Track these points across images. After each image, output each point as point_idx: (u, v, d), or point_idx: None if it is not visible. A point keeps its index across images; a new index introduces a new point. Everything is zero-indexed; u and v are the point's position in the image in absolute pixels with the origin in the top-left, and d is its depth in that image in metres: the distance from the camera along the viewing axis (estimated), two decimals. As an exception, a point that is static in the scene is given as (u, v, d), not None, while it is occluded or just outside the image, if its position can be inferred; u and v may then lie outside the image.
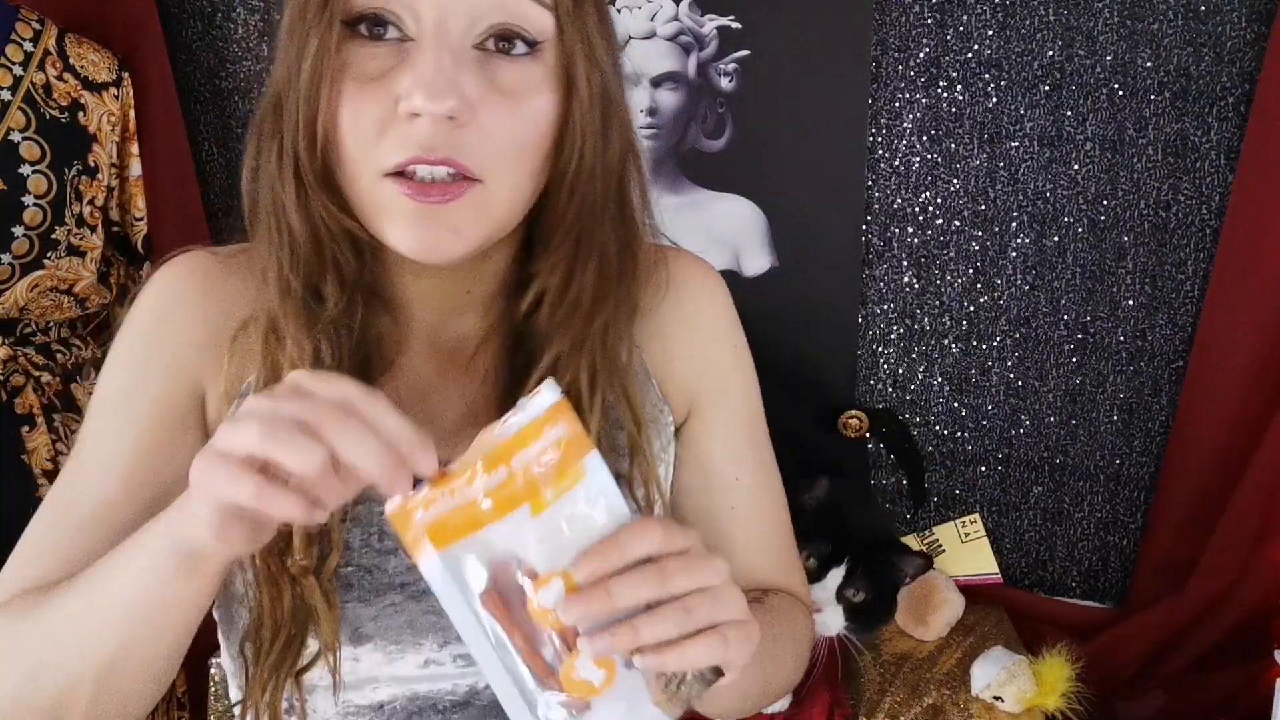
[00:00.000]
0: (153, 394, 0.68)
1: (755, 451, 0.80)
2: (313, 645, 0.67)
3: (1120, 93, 1.42)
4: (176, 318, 0.69)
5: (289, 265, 0.63)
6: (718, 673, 0.52)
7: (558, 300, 0.66)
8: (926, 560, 1.20)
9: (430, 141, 0.57)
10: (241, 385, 0.68)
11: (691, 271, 0.79)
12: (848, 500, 1.17)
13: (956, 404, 1.60)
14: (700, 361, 0.77)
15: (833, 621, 1.14)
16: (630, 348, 0.71)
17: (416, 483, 0.49)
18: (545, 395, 0.50)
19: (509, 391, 0.68)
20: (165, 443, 0.67)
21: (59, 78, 1.39)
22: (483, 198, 0.60)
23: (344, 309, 0.64)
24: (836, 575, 1.09)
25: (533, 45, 0.60)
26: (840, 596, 1.11)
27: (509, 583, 0.49)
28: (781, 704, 1.35)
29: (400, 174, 0.59)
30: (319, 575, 0.65)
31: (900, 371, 1.60)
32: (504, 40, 0.59)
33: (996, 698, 1.31)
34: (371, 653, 0.68)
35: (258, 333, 0.66)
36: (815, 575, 1.12)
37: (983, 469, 1.62)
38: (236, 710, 0.70)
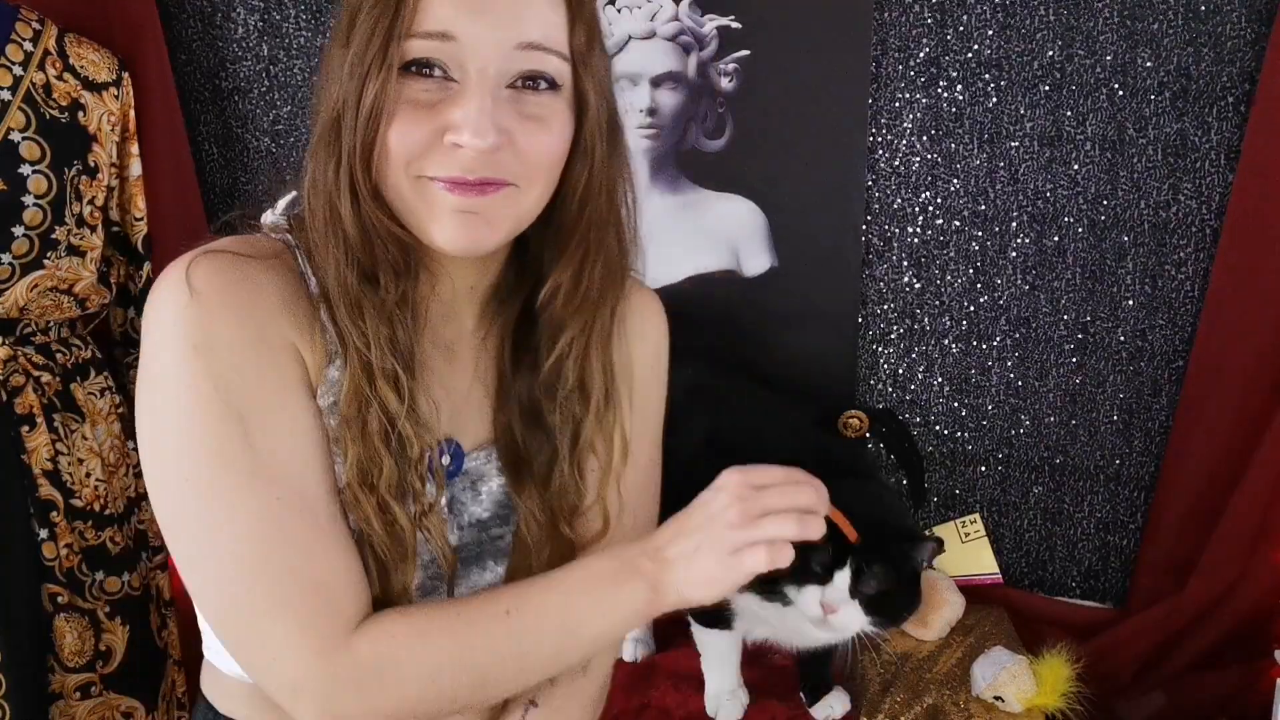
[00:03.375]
0: (292, 381, 0.75)
1: (646, 452, 0.93)
2: None
3: (1120, 93, 1.42)
4: (270, 310, 0.75)
5: (345, 262, 0.74)
6: None
7: (571, 293, 0.81)
8: (938, 543, 1.20)
9: (471, 165, 0.70)
10: (325, 371, 0.76)
11: (649, 304, 0.94)
12: (848, 500, 1.16)
13: (956, 404, 1.60)
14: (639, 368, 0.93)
15: (852, 620, 1.13)
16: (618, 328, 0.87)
17: None
18: None
19: (511, 371, 0.85)
20: (317, 418, 0.77)
21: (59, 78, 1.39)
22: (515, 196, 0.74)
23: (399, 297, 0.76)
24: (843, 577, 1.09)
25: (554, 85, 0.74)
26: (856, 593, 1.11)
27: None
28: (842, 707, 1.37)
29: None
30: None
31: (900, 371, 1.60)
32: (530, 80, 0.73)
33: (996, 698, 1.31)
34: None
35: (327, 319, 0.76)
36: (823, 580, 1.13)
37: (983, 469, 1.62)
38: None
